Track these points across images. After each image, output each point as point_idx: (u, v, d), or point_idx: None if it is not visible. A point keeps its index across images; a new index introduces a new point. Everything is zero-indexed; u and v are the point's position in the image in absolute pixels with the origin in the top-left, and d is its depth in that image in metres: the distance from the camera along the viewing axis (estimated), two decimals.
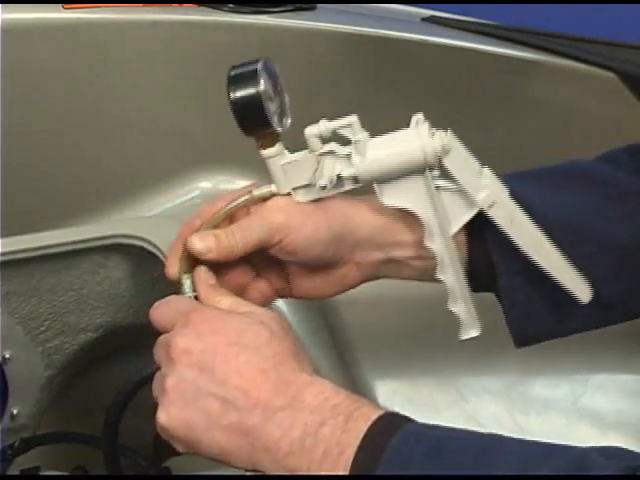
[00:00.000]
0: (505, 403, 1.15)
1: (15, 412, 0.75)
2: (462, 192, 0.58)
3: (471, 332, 0.61)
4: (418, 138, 0.56)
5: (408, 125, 0.59)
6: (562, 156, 1.08)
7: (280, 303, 1.07)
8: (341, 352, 1.12)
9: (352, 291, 1.15)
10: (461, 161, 0.57)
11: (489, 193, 0.58)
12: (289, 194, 0.58)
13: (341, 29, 1.01)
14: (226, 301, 0.57)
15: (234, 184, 1.05)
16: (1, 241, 0.72)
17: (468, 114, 1.04)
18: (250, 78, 0.56)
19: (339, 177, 0.57)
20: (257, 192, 0.58)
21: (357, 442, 0.46)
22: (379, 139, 0.57)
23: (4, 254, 0.71)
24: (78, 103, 0.99)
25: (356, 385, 1.12)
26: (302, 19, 1.02)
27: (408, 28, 1.05)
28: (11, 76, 0.92)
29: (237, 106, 0.55)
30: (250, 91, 0.55)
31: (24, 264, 0.73)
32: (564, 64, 1.01)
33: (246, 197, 0.58)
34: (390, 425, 0.47)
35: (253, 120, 0.55)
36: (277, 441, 0.48)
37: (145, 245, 0.73)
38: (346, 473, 0.46)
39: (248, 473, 0.51)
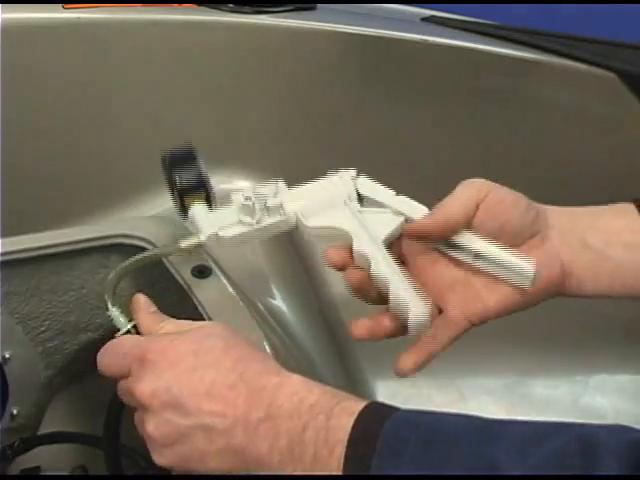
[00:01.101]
0: (505, 403, 1.15)
1: (15, 412, 0.75)
2: (385, 211, 0.61)
3: (420, 317, 0.59)
4: (335, 175, 0.62)
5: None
6: (562, 156, 1.08)
7: (280, 303, 1.07)
8: (341, 352, 1.12)
9: None
10: (375, 189, 0.62)
11: (409, 206, 0.61)
12: (216, 235, 0.60)
13: (341, 29, 1.01)
14: (169, 326, 0.57)
15: (233, 184, 1.05)
16: (1, 241, 0.72)
17: (468, 114, 1.04)
18: (190, 161, 0.61)
19: (266, 207, 0.60)
20: (185, 243, 0.61)
21: (345, 437, 0.45)
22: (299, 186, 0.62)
23: (4, 254, 0.71)
24: (78, 103, 0.99)
25: (356, 385, 1.12)
26: (302, 19, 1.02)
27: (408, 28, 1.05)
28: (11, 76, 0.92)
29: (183, 187, 0.61)
30: (195, 172, 0.61)
31: (24, 264, 0.73)
32: (564, 64, 1.01)
33: (173, 248, 0.61)
34: (378, 415, 0.46)
35: (195, 191, 0.61)
36: (267, 454, 0.48)
37: (145, 245, 0.73)
38: (340, 471, 0.45)
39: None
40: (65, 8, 0.95)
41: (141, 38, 0.98)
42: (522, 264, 0.59)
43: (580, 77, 1.02)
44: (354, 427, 0.46)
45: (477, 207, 0.59)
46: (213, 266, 0.74)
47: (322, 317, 1.11)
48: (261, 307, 1.01)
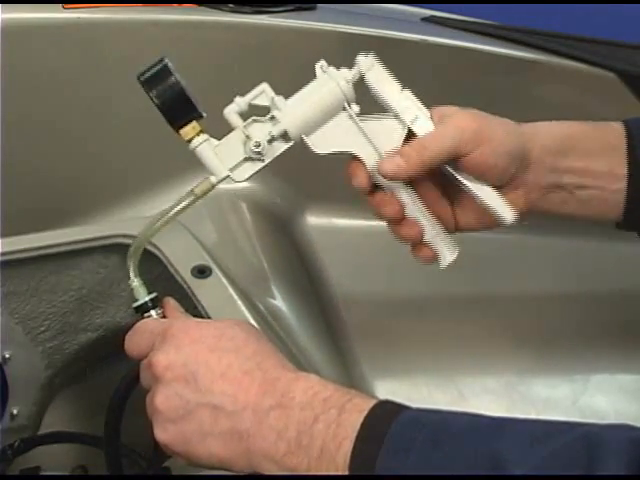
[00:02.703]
0: (505, 403, 1.15)
1: (15, 412, 0.75)
2: (386, 117, 0.60)
3: (448, 258, 0.62)
4: (328, 76, 0.60)
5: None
6: None
7: (280, 303, 1.07)
8: (341, 352, 1.12)
9: (352, 291, 1.15)
10: (382, 78, 0.61)
11: (410, 108, 0.60)
12: (228, 177, 0.59)
13: (341, 29, 1.01)
14: None
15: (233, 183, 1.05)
16: (1, 241, 0.72)
17: None
18: (164, 74, 0.58)
19: (270, 138, 0.58)
20: (198, 189, 0.59)
21: (354, 434, 0.46)
22: (294, 95, 0.60)
23: (4, 254, 0.71)
24: (78, 103, 0.99)
25: (356, 385, 1.12)
26: (302, 19, 1.02)
27: (408, 28, 1.05)
28: (11, 76, 0.92)
29: (163, 100, 0.57)
30: (170, 83, 0.57)
31: (24, 264, 0.73)
32: (564, 64, 1.01)
33: (190, 198, 0.59)
34: (387, 413, 0.46)
35: (181, 109, 0.58)
36: (274, 443, 0.48)
37: (145, 245, 0.73)
38: (346, 467, 0.45)
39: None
40: (65, 8, 0.95)
41: (141, 38, 0.98)
42: (504, 209, 0.61)
43: (580, 77, 1.02)
44: (363, 424, 0.46)
45: (458, 156, 0.59)
46: (213, 266, 0.74)
47: (322, 317, 1.11)
48: (261, 307, 1.01)
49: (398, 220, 0.62)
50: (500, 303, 1.14)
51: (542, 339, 1.16)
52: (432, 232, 0.62)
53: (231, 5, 1.01)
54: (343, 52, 1.04)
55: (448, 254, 0.62)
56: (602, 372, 1.17)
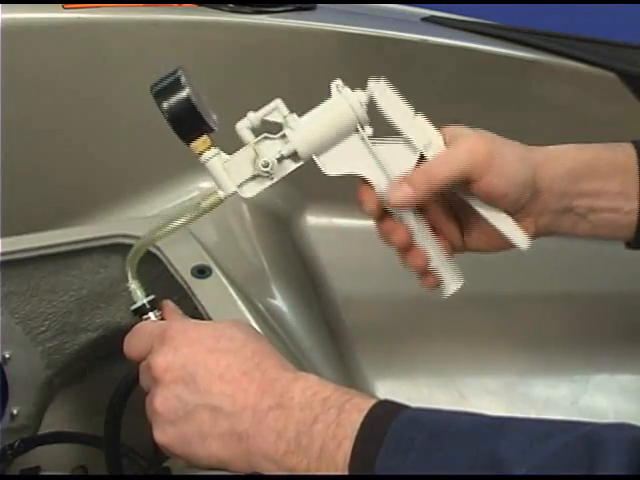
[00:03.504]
0: (505, 403, 1.15)
1: (15, 412, 0.75)
2: (398, 142, 0.60)
3: (452, 287, 0.62)
4: (342, 98, 0.58)
5: None
6: None
7: (280, 303, 1.07)
8: (341, 352, 1.12)
9: (352, 291, 1.15)
10: (394, 103, 0.59)
11: (423, 133, 0.59)
12: (235, 192, 0.59)
13: (341, 29, 1.01)
14: None
15: None
16: (1, 241, 0.72)
17: (468, 114, 1.03)
18: (176, 86, 0.57)
19: (280, 157, 0.58)
20: (206, 203, 0.59)
21: (353, 434, 0.46)
22: (307, 114, 0.59)
23: (4, 254, 0.71)
24: (78, 103, 0.99)
25: (356, 385, 1.12)
26: (302, 19, 1.02)
27: (408, 28, 1.05)
28: (11, 76, 0.92)
29: (172, 113, 0.57)
30: (180, 96, 0.57)
31: (24, 264, 0.73)
32: (564, 64, 1.01)
33: (197, 211, 0.58)
34: (387, 413, 0.46)
35: (191, 123, 0.57)
36: (273, 443, 0.48)
37: (144, 250, 0.73)
38: (345, 467, 0.45)
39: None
40: (65, 8, 0.95)
41: (141, 38, 0.98)
42: (519, 236, 0.61)
43: (580, 77, 1.02)
44: (362, 424, 0.46)
45: (468, 181, 0.59)
46: (213, 266, 0.74)
47: (322, 317, 1.11)
48: (261, 307, 1.01)
49: (406, 248, 0.61)
50: (500, 303, 1.14)
51: (542, 339, 1.16)
52: (437, 261, 0.61)
53: (231, 5, 1.01)
54: (343, 52, 1.05)
55: (452, 283, 0.62)
56: (602, 372, 1.17)
